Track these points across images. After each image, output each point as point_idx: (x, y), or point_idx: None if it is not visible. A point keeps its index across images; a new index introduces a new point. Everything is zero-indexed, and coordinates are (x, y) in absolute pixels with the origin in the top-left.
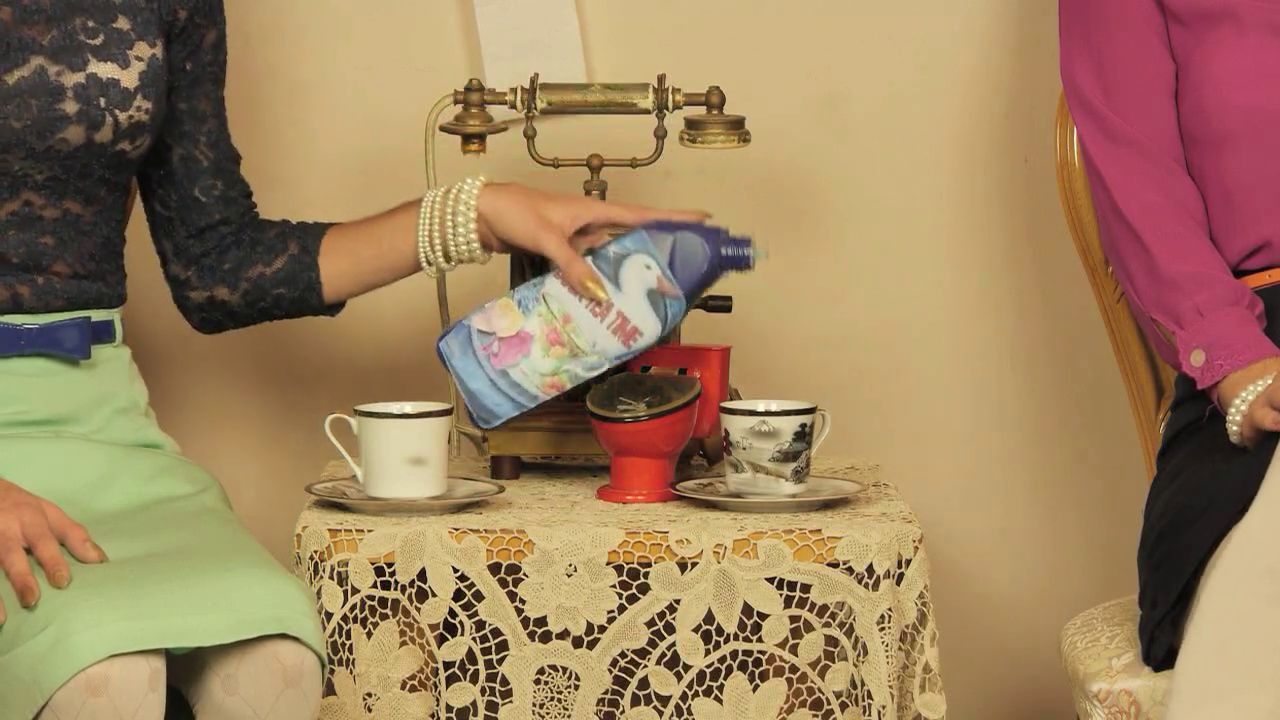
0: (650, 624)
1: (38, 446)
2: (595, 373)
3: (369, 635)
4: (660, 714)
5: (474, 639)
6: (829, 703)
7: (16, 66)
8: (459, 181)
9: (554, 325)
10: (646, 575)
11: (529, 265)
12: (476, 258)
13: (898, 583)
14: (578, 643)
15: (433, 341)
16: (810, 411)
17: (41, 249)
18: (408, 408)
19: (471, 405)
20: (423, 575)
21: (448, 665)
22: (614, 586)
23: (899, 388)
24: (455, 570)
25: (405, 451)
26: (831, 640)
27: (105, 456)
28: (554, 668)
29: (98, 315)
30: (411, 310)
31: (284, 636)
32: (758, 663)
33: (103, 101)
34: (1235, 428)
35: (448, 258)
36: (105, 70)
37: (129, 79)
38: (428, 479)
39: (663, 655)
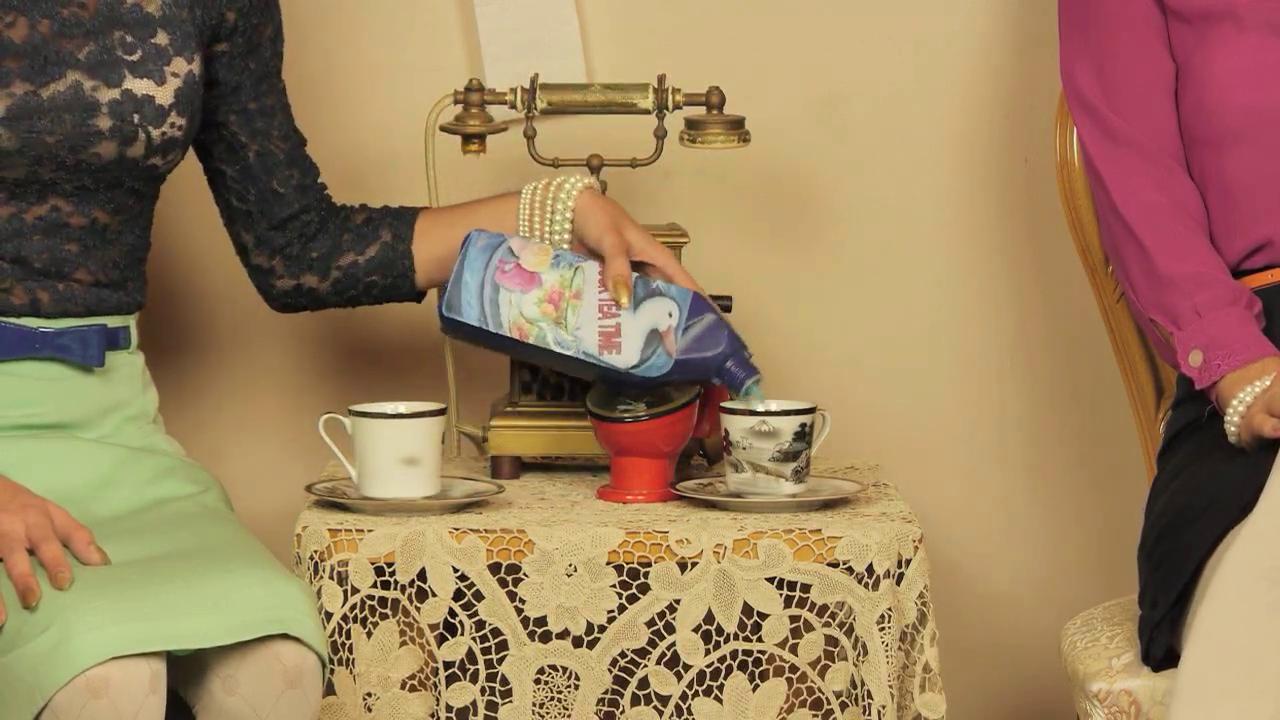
0: (650, 624)
1: (42, 447)
2: (559, 350)
3: (369, 635)
4: (660, 714)
5: (474, 639)
6: (829, 703)
7: (53, 81)
8: (560, 178)
9: (563, 290)
10: (646, 575)
11: None
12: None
13: (898, 583)
14: (578, 642)
15: (433, 342)
16: (810, 411)
17: (65, 255)
18: (401, 408)
19: (451, 289)
20: (423, 575)
21: (448, 665)
22: (614, 586)
23: (899, 388)
24: (455, 570)
25: (399, 451)
26: (831, 640)
27: (109, 459)
28: (554, 668)
29: (114, 322)
30: (412, 310)
31: (285, 637)
32: (758, 663)
33: (137, 118)
34: (1233, 429)
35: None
36: (141, 87)
37: (164, 96)
38: (422, 479)
39: (663, 655)
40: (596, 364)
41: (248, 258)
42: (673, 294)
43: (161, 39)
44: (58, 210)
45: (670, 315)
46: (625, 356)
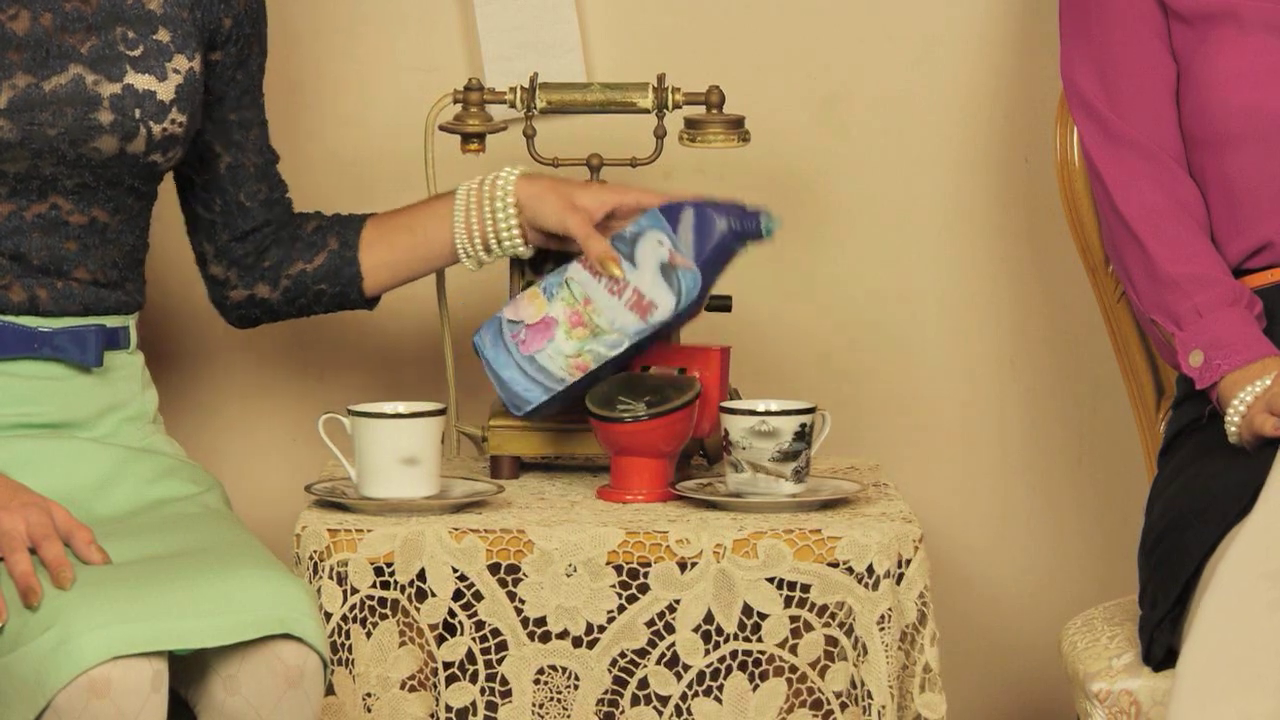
0: (650, 624)
1: (43, 447)
2: (617, 350)
3: (368, 635)
4: (660, 714)
5: (474, 639)
6: (829, 703)
7: (55, 74)
8: (493, 173)
9: (575, 308)
10: (646, 575)
11: (528, 266)
12: (519, 251)
13: (898, 583)
14: (577, 643)
15: (433, 342)
16: (810, 411)
17: (64, 254)
18: (401, 407)
19: (504, 395)
20: (422, 575)
21: (447, 665)
22: (614, 586)
23: (899, 388)
24: (455, 570)
25: (398, 451)
26: (831, 640)
27: (110, 458)
28: (554, 668)
29: (112, 322)
30: (412, 310)
31: (286, 637)
32: (758, 663)
33: (138, 113)
34: (1234, 428)
35: (488, 249)
36: (142, 82)
37: (165, 92)
38: (421, 479)
39: (662, 655)
40: (653, 331)
41: (206, 268)
42: (646, 225)
43: (163, 36)
44: (57, 208)
45: (661, 243)
46: (664, 307)
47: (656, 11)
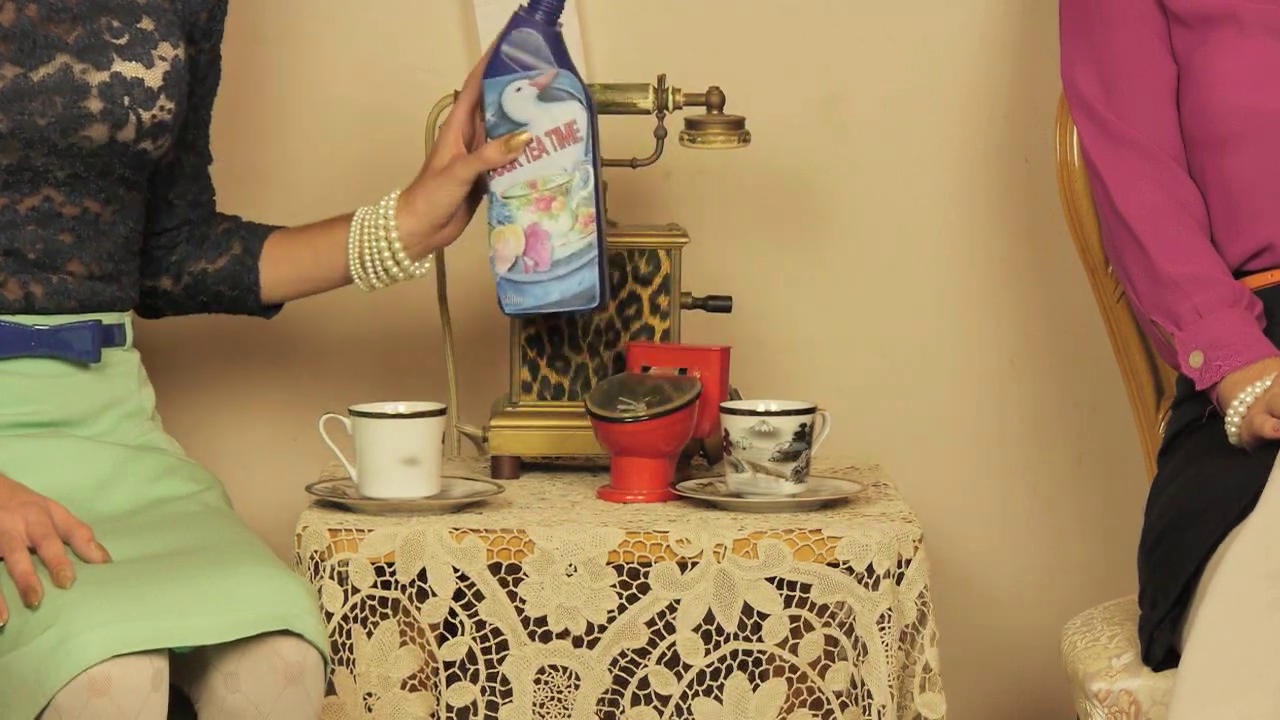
0: (650, 624)
1: (42, 446)
2: (590, 183)
3: (369, 635)
4: (660, 714)
5: (474, 639)
6: (829, 703)
7: (42, 64)
8: (382, 201)
9: (531, 198)
10: (646, 575)
11: None
12: (415, 273)
13: (898, 583)
14: (578, 642)
15: (433, 342)
16: (810, 411)
17: (59, 246)
18: (401, 407)
19: (575, 309)
20: (423, 575)
21: (448, 665)
22: (614, 586)
23: (899, 387)
24: (455, 570)
25: (399, 451)
26: (831, 640)
27: (110, 457)
28: (554, 667)
29: (108, 318)
30: (412, 310)
31: (286, 633)
32: (758, 662)
33: (127, 100)
34: (1234, 429)
35: (386, 274)
36: (130, 69)
37: (153, 79)
38: (422, 479)
39: (663, 655)
40: (592, 140)
41: None
42: (490, 93)
43: (147, 24)
44: (50, 200)
45: (519, 89)
46: (578, 115)
47: (656, 11)
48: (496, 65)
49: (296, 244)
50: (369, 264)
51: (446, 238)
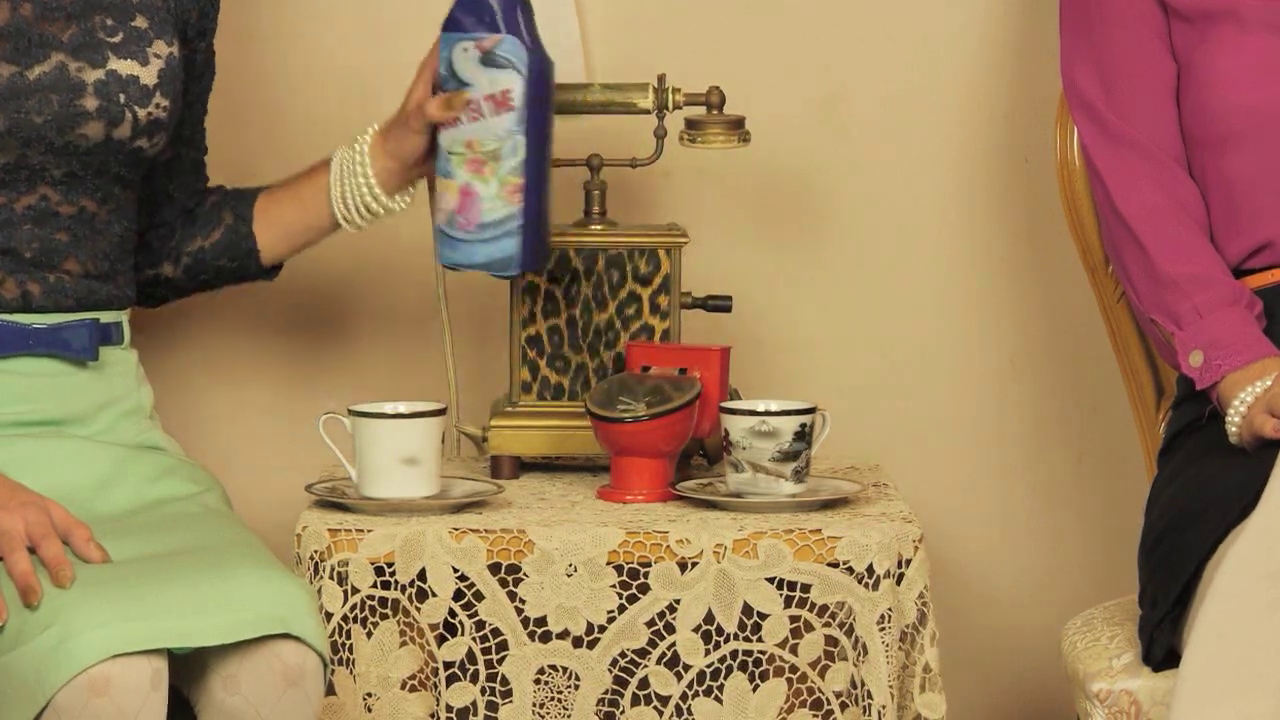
0: (650, 624)
1: (42, 446)
2: (519, 152)
3: (369, 635)
4: (660, 714)
5: (474, 639)
6: (829, 703)
7: (38, 62)
8: (357, 139)
9: (467, 158)
10: (646, 575)
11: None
12: (394, 207)
13: (898, 583)
14: (578, 643)
15: (433, 342)
16: (810, 411)
17: (55, 245)
18: (401, 407)
19: (498, 273)
20: (423, 575)
21: (448, 665)
22: (614, 586)
23: (899, 387)
24: (455, 570)
25: (399, 451)
26: (831, 640)
27: (109, 458)
28: (554, 668)
29: (106, 317)
30: (412, 310)
31: (286, 636)
32: (758, 663)
33: (122, 98)
34: (1234, 429)
35: (368, 212)
36: (125, 67)
37: (148, 76)
38: (421, 479)
39: (663, 655)
40: (536, 108)
41: None
42: (445, 49)
43: (141, 22)
44: (46, 199)
45: (466, 48)
46: (514, 85)
47: (656, 11)
48: (452, 20)
49: (283, 199)
50: (350, 203)
51: (421, 174)
